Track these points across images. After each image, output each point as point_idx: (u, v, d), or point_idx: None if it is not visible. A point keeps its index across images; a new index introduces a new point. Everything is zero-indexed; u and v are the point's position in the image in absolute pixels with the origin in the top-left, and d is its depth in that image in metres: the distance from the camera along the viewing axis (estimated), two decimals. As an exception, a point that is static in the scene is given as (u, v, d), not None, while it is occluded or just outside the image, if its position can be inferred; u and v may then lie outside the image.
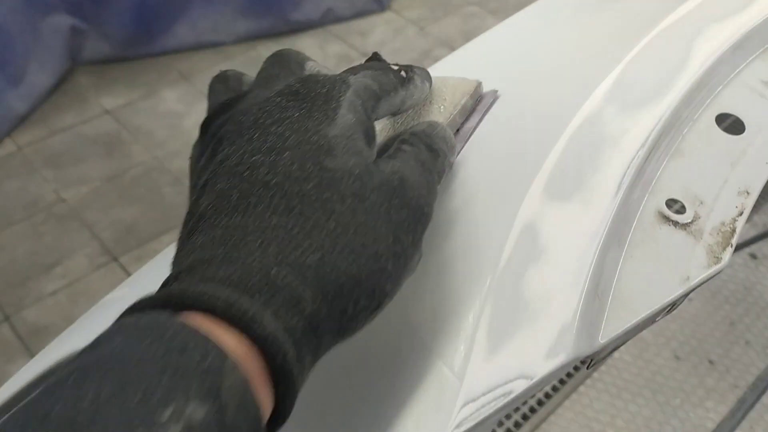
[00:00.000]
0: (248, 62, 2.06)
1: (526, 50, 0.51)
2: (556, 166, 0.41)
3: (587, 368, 0.38)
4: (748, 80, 0.47)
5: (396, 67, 0.36)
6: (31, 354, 1.40)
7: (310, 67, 0.36)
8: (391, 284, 0.29)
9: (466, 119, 0.43)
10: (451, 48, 2.12)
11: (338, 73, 0.34)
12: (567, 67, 0.47)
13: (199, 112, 1.91)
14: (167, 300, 0.25)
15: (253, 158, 0.29)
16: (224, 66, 2.02)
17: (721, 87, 0.47)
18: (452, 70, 0.45)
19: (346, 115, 0.31)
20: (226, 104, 0.33)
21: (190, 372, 0.23)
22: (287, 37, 2.15)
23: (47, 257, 1.58)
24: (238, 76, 0.36)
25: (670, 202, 0.42)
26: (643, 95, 0.44)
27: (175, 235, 0.29)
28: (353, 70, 0.34)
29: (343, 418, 0.34)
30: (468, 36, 2.17)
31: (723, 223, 0.41)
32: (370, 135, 0.32)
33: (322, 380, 0.35)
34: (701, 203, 0.42)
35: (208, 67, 2.04)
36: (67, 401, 0.22)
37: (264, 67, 0.35)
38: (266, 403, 0.26)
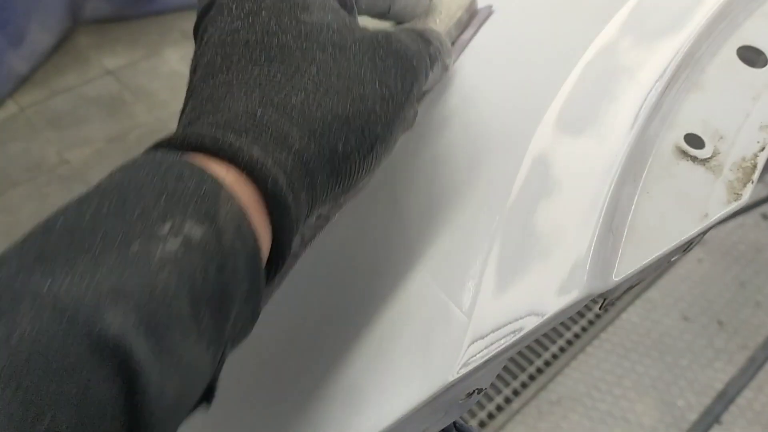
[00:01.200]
0: (252, 22, 2.03)
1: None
2: (570, 98, 0.39)
3: (600, 308, 0.37)
4: (772, 11, 0.45)
5: None
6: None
7: None
8: (382, 127, 0.29)
9: (461, 32, 0.43)
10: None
11: None
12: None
13: (202, 72, 1.89)
14: (159, 144, 0.27)
15: (233, 25, 0.29)
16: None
17: (743, 18, 0.44)
18: None
19: None
20: (209, 4, 0.32)
21: (187, 196, 0.23)
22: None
23: (51, 218, 1.57)
24: None
25: (689, 137, 0.40)
26: (661, 25, 0.42)
27: None
28: None
29: (350, 357, 0.32)
30: None
31: (744, 159, 0.39)
32: (348, 4, 0.32)
33: (327, 316, 0.33)
34: (721, 138, 0.40)
35: (210, 27, 2.01)
36: (68, 216, 0.23)
37: None
38: (265, 237, 0.26)
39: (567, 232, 0.35)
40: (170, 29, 1.98)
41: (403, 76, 0.30)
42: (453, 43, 0.42)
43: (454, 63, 0.41)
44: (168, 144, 0.26)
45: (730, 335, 1.54)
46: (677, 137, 0.40)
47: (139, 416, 0.21)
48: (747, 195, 0.38)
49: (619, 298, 0.37)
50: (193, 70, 0.31)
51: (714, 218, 0.37)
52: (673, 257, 0.38)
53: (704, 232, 0.37)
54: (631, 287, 0.37)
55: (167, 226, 0.23)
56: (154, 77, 1.87)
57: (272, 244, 0.27)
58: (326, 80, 0.28)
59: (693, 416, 1.41)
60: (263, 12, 0.29)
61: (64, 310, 0.20)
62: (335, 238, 0.35)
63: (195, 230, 0.23)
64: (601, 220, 0.35)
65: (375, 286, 0.34)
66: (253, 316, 0.26)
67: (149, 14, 2.00)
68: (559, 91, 0.39)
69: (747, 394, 1.41)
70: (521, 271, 0.33)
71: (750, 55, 0.43)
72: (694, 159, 0.39)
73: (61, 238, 0.22)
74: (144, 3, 1.98)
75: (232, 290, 0.24)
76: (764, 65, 0.43)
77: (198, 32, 0.33)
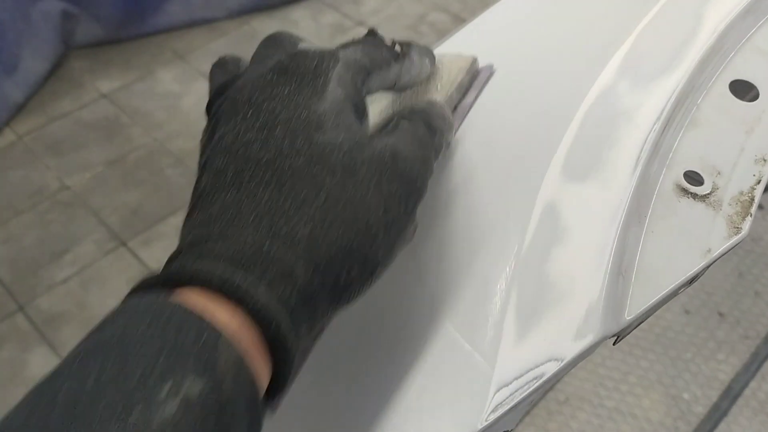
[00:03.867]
0: (242, 37, 2.04)
1: (534, 26, 0.50)
2: (573, 145, 0.41)
3: (613, 344, 0.39)
4: (760, 45, 0.47)
5: (391, 43, 0.36)
6: (48, 342, 1.42)
7: (303, 47, 0.36)
8: (384, 252, 0.30)
9: (463, 96, 0.43)
10: (446, 12, 2.10)
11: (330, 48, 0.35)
12: (577, 41, 0.47)
13: (195, 91, 1.90)
14: (167, 278, 0.27)
15: (247, 136, 0.30)
16: (219, 43, 2.01)
17: (733, 53, 0.46)
18: (459, 46, 0.45)
19: (335, 90, 0.31)
20: (224, 86, 0.33)
21: (186, 350, 0.24)
22: (280, 10, 2.12)
23: (56, 245, 1.58)
24: (236, 60, 0.37)
25: (689, 174, 0.42)
26: (655, 67, 0.44)
27: (181, 215, 0.30)
28: (345, 46, 0.35)
29: (380, 411, 0.34)
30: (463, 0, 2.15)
31: (741, 193, 0.41)
32: (360, 109, 0.33)
33: (356, 374, 0.35)
34: (719, 173, 0.42)
35: (202, 45, 2.02)
36: (72, 382, 0.23)
37: (258, 50, 0.36)
38: (264, 374, 0.27)
39: (579, 277, 0.37)
40: (162, 50, 2.00)
41: (407, 198, 0.31)
42: (456, 107, 0.42)
43: (457, 131, 0.42)
44: (176, 278, 0.27)
45: (732, 326, 1.57)
46: (677, 175, 0.42)
47: None
48: (747, 228, 0.40)
49: (630, 332, 0.39)
50: (202, 166, 0.31)
51: (716, 253, 0.39)
52: (680, 290, 0.40)
53: (708, 266, 0.39)
54: (641, 322, 0.39)
55: (167, 387, 0.23)
56: (149, 98, 1.89)
57: (273, 375, 0.28)
58: (333, 209, 0.28)
59: (699, 409, 1.43)
60: (278, 128, 0.30)
61: None
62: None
63: (194, 387, 0.23)
64: (610, 264, 0.37)
65: (397, 341, 0.36)
66: None
67: (141, 36, 2.01)
68: (562, 139, 0.41)
69: (752, 384, 1.43)
70: (538, 319, 0.36)
71: (741, 89, 0.45)
72: (694, 196, 0.41)
73: (64, 412, 0.23)
74: (135, 25, 2.00)
75: (232, 430, 0.25)
76: (755, 98, 0.45)
77: (210, 113, 0.33)
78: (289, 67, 0.32)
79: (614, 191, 0.39)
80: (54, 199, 1.67)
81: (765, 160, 0.42)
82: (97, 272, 1.53)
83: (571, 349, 0.35)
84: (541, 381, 0.34)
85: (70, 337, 1.43)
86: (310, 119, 0.30)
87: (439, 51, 0.41)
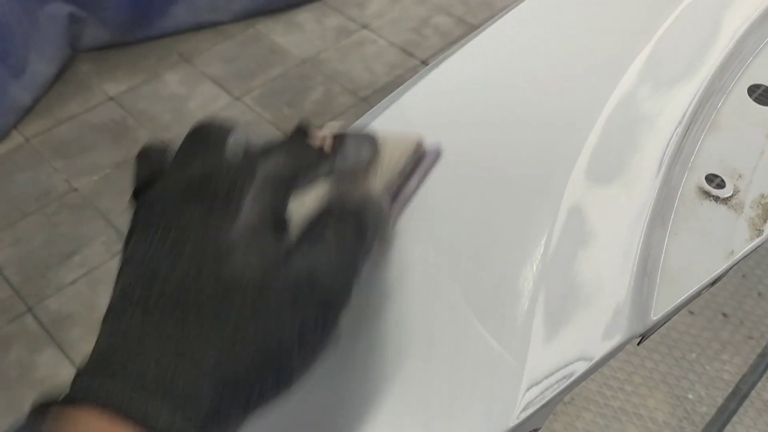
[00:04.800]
0: (247, 40, 2.05)
1: (553, 32, 0.51)
2: (596, 149, 0.42)
3: (638, 344, 0.40)
4: (778, 50, 0.48)
5: (320, 142, 0.35)
6: (57, 343, 1.42)
7: (233, 143, 0.33)
8: (301, 361, 0.30)
9: (407, 180, 0.41)
10: (450, 15, 2.11)
11: (246, 158, 0.33)
12: (598, 47, 0.48)
13: (201, 93, 1.91)
14: (68, 399, 0.27)
15: (158, 254, 0.30)
16: (224, 46, 2.02)
17: (751, 58, 0.47)
18: (476, 53, 0.46)
19: (249, 213, 0.31)
20: (147, 180, 0.33)
21: None
22: (284, 13, 2.13)
23: (64, 247, 1.59)
24: (161, 153, 0.35)
25: (710, 177, 0.43)
26: (676, 71, 0.45)
27: None
28: (267, 152, 0.33)
29: (413, 412, 0.35)
30: (465, 1, 2.16)
31: (762, 195, 0.42)
32: (280, 224, 0.32)
33: (389, 376, 0.36)
34: (740, 176, 0.43)
35: (208, 48, 2.03)
36: None
37: (183, 144, 0.34)
38: None
39: (606, 279, 0.37)
40: (169, 52, 2.01)
41: (324, 317, 0.31)
42: (398, 193, 0.40)
43: (398, 216, 0.40)
44: (81, 398, 0.27)
45: (736, 326, 1.58)
46: (699, 178, 0.43)
47: None
48: None
49: (654, 332, 0.40)
50: (118, 273, 0.31)
51: (739, 255, 0.40)
52: (703, 292, 0.41)
53: (730, 268, 0.40)
54: (665, 322, 0.40)
55: None
56: (156, 101, 1.90)
57: None
58: (243, 332, 0.28)
59: (704, 409, 1.44)
60: (185, 254, 0.29)
61: None
62: (390, 300, 0.38)
63: None
64: (636, 265, 0.38)
65: (432, 340, 0.37)
66: None
67: (147, 39, 2.02)
68: (585, 144, 0.42)
69: (759, 386, 1.44)
70: (567, 319, 0.36)
71: (761, 93, 0.46)
72: (716, 198, 0.42)
73: None
74: (141, 28, 2.01)
75: None
76: (772, 103, 0.46)
77: (135, 204, 0.33)
78: (202, 185, 0.31)
79: (638, 194, 0.40)
80: (62, 201, 1.68)
81: (784, 164, 0.43)
82: (106, 274, 1.54)
83: (600, 348, 0.35)
84: (570, 380, 0.35)
85: (79, 339, 1.43)
86: (218, 250, 0.30)
87: (383, 132, 0.39)
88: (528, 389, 0.35)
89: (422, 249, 0.39)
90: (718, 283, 0.40)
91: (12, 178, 1.73)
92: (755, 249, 0.40)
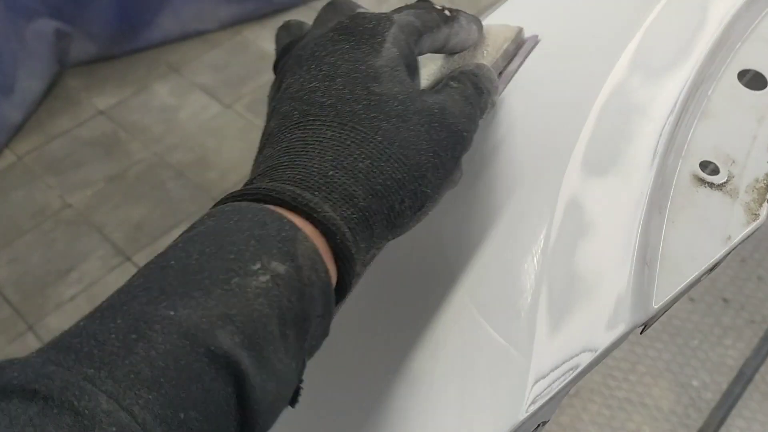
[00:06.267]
0: (235, 48, 2.05)
1: (541, 25, 0.51)
2: (591, 140, 0.42)
3: (641, 333, 0.40)
4: (766, 34, 0.48)
5: (440, 8, 0.39)
6: (59, 360, 1.42)
7: (361, 11, 0.38)
8: (432, 189, 0.33)
9: (508, 63, 0.45)
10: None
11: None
12: (587, 38, 0.48)
13: (192, 103, 1.90)
14: (244, 196, 0.31)
15: (311, 84, 0.34)
16: (212, 54, 2.02)
17: (740, 43, 0.47)
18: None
19: (390, 48, 0.35)
20: (288, 46, 0.37)
21: (270, 240, 0.28)
22: (272, 18, 2.13)
23: (61, 263, 1.58)
24: (299, 24, 0.40)
25: (704, 164, 0.43)
26: (665, 60, 0.45)
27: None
28: (398, 10, 0.37)
29: (421, 408, 0.35)
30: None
31: (757, 180, 0.42)
32: (412, 67, 0.36)
33: (398, 373, 0.36)
34: (733, 162, 0.43)
35: (196, 57, 2.03)
36: (179, 259, 0.28)
37: (319, 15, 0.39)
38: (333, 274, 0.30)
39: (606, 270, 0.38)
40: (157, 63, 2.00)
41: (453, 146, 0.34)
42: (500, 74, 0.44)
43: (499, 95, 0.44)
44: (253, 195, 0.31)
45: (737, 311, 1.58)
46: (693, 166, 0.43)
47: (247, 412, 0.26)
48: (764, 214, 0.41)
49: (656, 320, 0.40)
50: (270, 113, 0.35)
51: (736, 240, 0.40)
52: (702, 278, 0.41)
53: (728, 253, 0.40)
54: (666, 310, 0.40)
55: (257, 265, 0.27)
56: (146, 112, 1.89)
57: (337, 284, 0.31)
58: (389, 149, 0.32)
59: (709, 395, 1.44)
60: (339, 79, 0.33)
61: (187, 333, 0.25)
62: (391, 300, 0.38)
63: (279, 268, 0.28)
64: (635, 255, 0.38)
65: (437, 338, 0.37)
66: (325, 332, 0.31)
67: (134, 51, 2.01)
68: (579, 135, 0.42)
69: (762, 369, 1.45)
70: (570, 311, 0.36)
71: (750, 78, 0.47)
72: (711, 185, 0.42)
73: (176, 276, 0.27)
74: (128, 40, 2.00)
75: (310, 313, 0.29)
76: (765, 87, 0.46)
77: (277, 71, 0.37)
78: (349, 26, 0.35)
79: (634, 184, 0.40)
80: (57, 218, 1.68)
81: (777, 147, 0.43)
82: (104, 288, 1.53)
83: (604, 339, 0.36)
84: (577, 371, 0.35)
85: (81, 355, 1.43)
86: (367, 72, 0.33)
87: (486, 21, 0.44)
88: (535, 383, 0.35)
89: (422, 249, 0.39)
90: (717, 268, 0.40)
91: (6, 197, 1.73)
92: (752, 233, 0.40)
